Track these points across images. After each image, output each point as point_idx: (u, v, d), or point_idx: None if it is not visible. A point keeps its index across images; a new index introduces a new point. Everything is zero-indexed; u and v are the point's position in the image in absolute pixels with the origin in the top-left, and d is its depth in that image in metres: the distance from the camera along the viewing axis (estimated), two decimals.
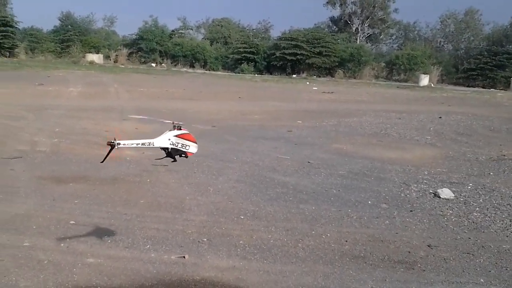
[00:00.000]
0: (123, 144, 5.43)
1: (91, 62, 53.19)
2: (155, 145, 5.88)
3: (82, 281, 5.00)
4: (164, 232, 6.50)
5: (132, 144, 5.68)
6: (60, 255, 5.59)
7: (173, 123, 6.13)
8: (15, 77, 30.71)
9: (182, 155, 6.11)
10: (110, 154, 5.51)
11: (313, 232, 6.81)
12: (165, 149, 6.08)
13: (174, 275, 5.26)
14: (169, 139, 5.93)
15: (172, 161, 6.04)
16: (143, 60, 59.60)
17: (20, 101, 19.46)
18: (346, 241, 6.56)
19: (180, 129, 6.09)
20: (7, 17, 55.35)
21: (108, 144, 5.33)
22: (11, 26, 55.08)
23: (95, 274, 5.16)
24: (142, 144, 5.72)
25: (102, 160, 5.60)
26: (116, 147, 5.35)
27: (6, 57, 51.68)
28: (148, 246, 6.01)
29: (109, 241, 6.11)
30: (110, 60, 57.27)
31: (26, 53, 56.47)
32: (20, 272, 5.11)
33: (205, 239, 6.32)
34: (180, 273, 5.31)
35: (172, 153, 6.11)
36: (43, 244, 5.86)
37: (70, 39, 59.23)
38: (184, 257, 5.72)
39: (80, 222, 6.66)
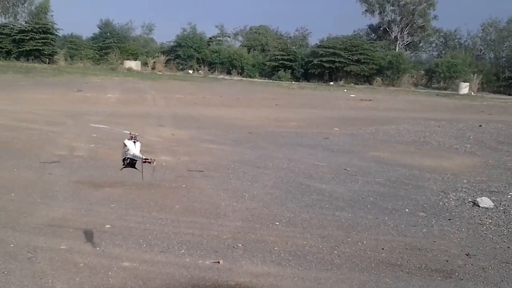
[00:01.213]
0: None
1: (129, 69, 53.74)
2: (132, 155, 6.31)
3: (117, 284, 5.02)
4: (199, 237, 6.49)
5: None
6: (96, 258, 5.62)
7: (130, 133, 6.43)
8: (54, 83, 31.21)
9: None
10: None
11: (349, 240, 6.73)
12: (133, 159, 6.45)
13: (209, 280, 5.24)
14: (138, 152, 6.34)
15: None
16: (180, 67, 60.00)
17: (59, 107, 19.78)
18: (383, 248, 6.46)
19: (135, 141, 6.45)
20: (47, 24, 56.35)
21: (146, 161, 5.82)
22: (51, 33, 56.03)
23: (130, 278, 5.18)
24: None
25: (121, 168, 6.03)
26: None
27: (46, 63, 52.55)
28: (183, 250, 6.01)
29: (144, 245, 6.12)
30: (147, 67, 57.79)
31: (65, 59, 57.34)
32: (56, 274, 5.15)
33: (240, 245, 6.29)
34: (214, 278, 5.29)
35: (135, 164, 6.47)
36: (79, 248, 5.91)
37: (108, 46, 59.97)
38: (218, 262, 5.70)
39: (116, 226, 6.70)
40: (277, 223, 7.25)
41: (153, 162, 6.36)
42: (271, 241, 6.51)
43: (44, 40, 53.73)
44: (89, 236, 6.28)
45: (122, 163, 6.64)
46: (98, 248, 5.93)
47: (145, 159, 6.29)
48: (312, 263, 5.88)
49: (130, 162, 6.32)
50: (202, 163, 10.96)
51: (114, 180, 9.02)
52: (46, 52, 54.17)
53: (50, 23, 57.58)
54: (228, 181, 9.54)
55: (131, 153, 6.33)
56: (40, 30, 53.91)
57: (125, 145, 6.41)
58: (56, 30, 58.03)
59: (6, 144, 11.83)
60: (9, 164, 9.85)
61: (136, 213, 7.31)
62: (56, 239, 6.11)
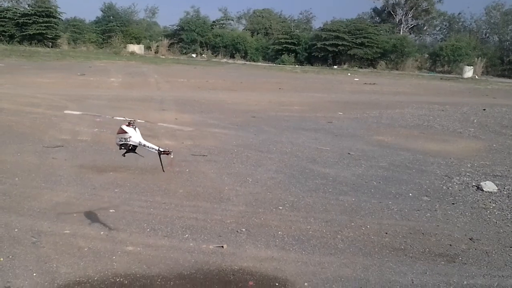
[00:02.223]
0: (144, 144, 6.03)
1: (132, 53, 53.70)
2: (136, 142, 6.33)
3: (121, 269, 5.03)
4: (203, 221, 6.50)
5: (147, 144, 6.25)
6: (100, 243, 5.64)
7: (125, 119, 6.44)
8: (57, 67, 31.18)
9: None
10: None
11: (353, 224, 6.73)
12: (134, 146, 6.45)
13: (212, 264, 5.26)
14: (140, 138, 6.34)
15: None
16: (183, 51, 59.93)
17: (62, 91, 19.75)
18: (386, 233, 6.46)
19: (135, 128, 6.44)
20: (50, 8, 56.21)
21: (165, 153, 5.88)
22: (54, 17, 55.96)
23: (134, 262, 5.19)
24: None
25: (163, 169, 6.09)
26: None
27: (49, 47, 52.52)
28: (186, 235, 6.02)
29: (148, 230, 6.13)
30: (151, 51, 57.73)
31: (69, 43, 57.29)
32: (60, 259, 5.17)
33: (243, 229, 6.30)
34: (218, 263, 5.30)
35: (135, 149, 6.48)
36: (83, 232, 5.92)
37: (111, 30, 59.92)
38: (222, 246, 5.72)
39: (119, 211, 6.71)
40: (281, 208, 7.25)
41: (171, 154, 6.34)
42: (274, 225, 6.52)
43: (47, 24, 53.68)
44: (93, 220, 6.31)
45: (120, 148, 6.63)
46: (102, 232, 5.95)
47: (162, 151, 6.28)
48: (316, 248, 5.88)
49: (132, 148, 6.31)
50: (205, 147, 10.96)
51: (117, 165, 9.02)
52: (49, 36, 54.14)
53: (53, 7, 57.44)
54: (232, 166, 9.54)
55: (136, 140, 6.31)
56: (43, 14, 53.81)
57: (125, 131, 6.38)
58: (59, 14, 58.01)
59: (9, 128, 11.83)
60: (13, 149, 9.86)
61: (140, 198, 7.32)
62: (60, 224, 6.13)
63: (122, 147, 6.52)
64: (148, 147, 6.31)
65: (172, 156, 6.31)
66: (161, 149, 6.18)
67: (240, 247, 5.76)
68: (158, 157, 6.76)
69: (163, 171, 6.32)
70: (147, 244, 5.68)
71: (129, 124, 6.39)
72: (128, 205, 6.95)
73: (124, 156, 6.66)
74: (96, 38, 59.71)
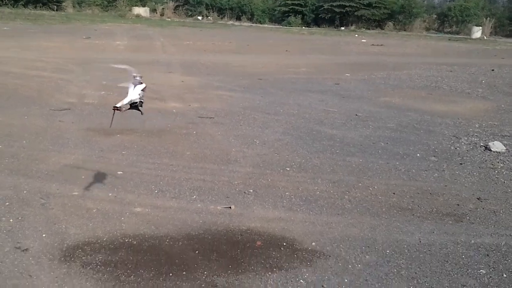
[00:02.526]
0: (122, 105, 5.65)
1: (138, 16, 53.20)
2: (131, 99, 5.96)
3: (130, 229, 5.07)
4: (210, 183, 6.53)
5: (125, 103, 5.80)
6: (108, 204, 5.67)
7: (133, 75, 6.13)
8: (62, 31, 31.00)
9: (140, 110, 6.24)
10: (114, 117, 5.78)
11: (360, 184, 6.74)
12: (134, 103, 6.12)
13: (220, 225, 5.29)
14: (139, 93, 6.00)
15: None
16: (189, 13, 59.33)
17: (68, 55, 19.67)
18: (394, 193, 6.47)
19: (141, 83, 6.13)
20: None
21: (113, 109, 5.56)
22: None
23: (142, 223, 5.23)
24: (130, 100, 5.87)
25: (110, 125, 5.87)
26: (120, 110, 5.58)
27: (54, 10, 52.08)
28: (194, 196, 6.04)
29: (156, 191, 6.16)
30: (156, 13, 57.18)
31: (74, 6, 56.72)
32: (69, 220, 5.21)
33: (251, 190, 6.32)
34: (226, 223, 5.33)
35: (138, 106, 6.17)
36: (91, 194, 5.96)
37: None
38: (230, 207, 5.74)
39: (127, 173, 6.74)
40: (288, 169, 7.26)
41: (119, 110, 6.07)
42: (282, 186, 6.54)
43: None
44: (101, 182, 6.34)
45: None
46: (110, 194, 5.98)
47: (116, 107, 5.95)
48: (323, 208, 5.90)
49: (132, 105, 6.10)
50: (212, 109, 10.94)
51: (124, 127, 9.01)
52: None
53: None
54: (239, 128, 9.53)
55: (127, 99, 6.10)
56: None
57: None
58: None
59: (16, 91, 11.83)
60: (20, 112, 9.87)
61: (147, 160, 7.34)
62: (68, 186, 6.16)
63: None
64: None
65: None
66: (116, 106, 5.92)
67: (247, 208, 5.78)
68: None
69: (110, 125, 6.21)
70: (155, 206, 5.71)
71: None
72: (135, 167, 6.98)
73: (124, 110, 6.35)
74: (101, 1, 59.10)
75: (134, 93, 6.03)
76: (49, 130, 8.69)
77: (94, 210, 5.48)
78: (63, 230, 4.97)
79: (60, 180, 6.34)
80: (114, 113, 5.74)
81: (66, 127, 8.96)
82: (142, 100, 6.13)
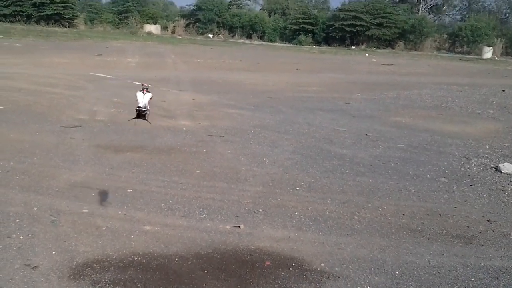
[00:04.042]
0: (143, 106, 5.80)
1: (149, 33, 53.65)
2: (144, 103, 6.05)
3: (139, 248, 5.07)
4: (220, 202, 6.53)
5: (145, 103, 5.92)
6: (118, 222, 5.68)
7: (142, 85, 6.18)
8: (74, 48, 31.27)
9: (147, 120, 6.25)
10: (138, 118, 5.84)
11: (370, 205, 6.72)
12: (143, 111, 6.19)
13: (229, 244, 5.28)
14: (147, 102, 6.08)
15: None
16: (200, 31, 59.76)
17: (80, 71, 19.83)
18: (404, 214, 6.45)
19: (148, 92, 6.17)
20: None
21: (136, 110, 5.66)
22: None
23: (152, 242, 5.23)
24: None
25: (130, 119, 5.92)
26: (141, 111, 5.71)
27: (66, 27, 52.55)
28: (203, 215, 6.04)
29: (166, 209, 6.16)
30: (167, 31, 57.65)
31: (86, 23, 57.31)
32: (79, 237, 5.22)
33: (260, 210, 6.32)
34: (235, 243, 5.32)
35: (145, 116, 6.23)
36: (101, 211, 5.97)
37: (128, 10, 59.81)
38: (239, 226, 5.74)
39: (137, 190, 6.75)
40: (298, 188, 7.25)
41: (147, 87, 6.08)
42: (291, 206, 6.53)
43: (65, 4, 53.61)
44: (111, 199, 6.36)
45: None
46: (120, 212, 5.99)
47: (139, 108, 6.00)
48: (333, 228, 5.89)
49: (138, 113, 6.13)
50: (222, 127, 10.97)
51: (134, 145, 9.06)
52: (66, 16, 54.13)
53: None
54: (249, 146, 9.55)
55: (141, 104, 6.12)
56: None
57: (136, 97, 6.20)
58: None
59: (28, 108, 11.91)
60: (32, 128, 9.93)
61: (157, 178, 7.35)
62: (79, 203, 6.18)
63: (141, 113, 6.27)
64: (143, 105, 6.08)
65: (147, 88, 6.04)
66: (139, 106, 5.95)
67: (257, 227, 5.78)
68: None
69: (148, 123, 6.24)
70: (164, 224, 5.72)
71: (143, 90, 6.22)
72: (145, 185, 6.99)
73: (129, 121, 6.33)
74: (113, 18, 59.61)
75: (145, 98, 6.12)
76: (60, 147, 8.73)
77: (104, 228, 5.49)
78: (73, 248, 4.98)
79: (70, 197, 6.36)
80: (137, 113, 5.89)
81: (77, 144, 9.00)
82: (148, 109, 6.19)
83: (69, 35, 42.63)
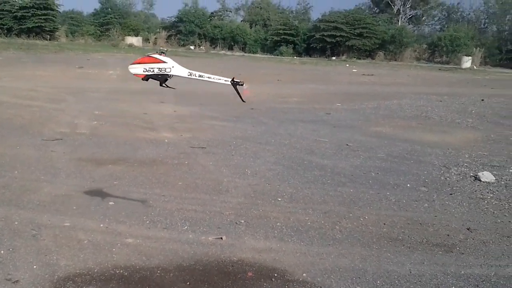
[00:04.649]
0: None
1: (130, 45, 53.53)
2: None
3: (121, 260, 5.07)
4: (202, 213, 6.54)
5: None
6: (99, 235, 5.67)
7: (157, 51, 6.01)
8: (55, 60, 31.12)
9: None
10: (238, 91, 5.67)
11: (351, 215, 6.77)
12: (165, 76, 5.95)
13: (212, 256, 5.30)
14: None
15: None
16: (182, 42, 59.75)
17: (61, 84, 19.74)
18: (384, 223, 6.51)
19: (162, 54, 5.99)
20: (48, 0, 55.90)
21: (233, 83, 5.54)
22: (52, 10, 55.63)
23: (134, 254, 5.23)
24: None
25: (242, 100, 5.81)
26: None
27: (47, 40, 52.29)
28: (186, 227, 6.05)
29: (148, 222, 6.17)
30: (149, 43, 57.56)
31: (67, 36, 57.02)
32: (60, 251, 5.21)
33: (242, 221, 6.34)
34: (217, 254, 5.34)
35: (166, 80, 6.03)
36: (83, 225, 5.95)
37: (109, 22, 59.61)
38: (221, 238, 5.75)
39: (119, 203, 6.74)
40: (279, 199, 7.29)
41: (243, 84, 5.93)
42: (273, 216, 6.56)
43: (46, 17, 53.38)
44: (93, 212, 6.34)
45: (147, 78, 6.00)
46: (101, 225, 5.98)
47: (237, 82, 5.86)
48: (314, 239, 5.92)
49: (165, 79, 5.89)
50: (204, 139, 10.99)
51: (116, 157, 9.06)
52: (47, 29, 53.85)
53: None
54: (231, 158, 9.57)
55: (184, 73, 5.82)
56: (41, 6, 53.47)
57: (161, 61, 5.83)
58: (56, 6, 57.66)
59: (9, 121, 11.85)
60: (12, 142, 9.88)
61: (139, 190, 7.35)
62: (60, 216, 6.16)
63: (152, 79, 5.96)
64: (209, 78, 5.87)
65: (245, 87, 5.95)
66: (235, 80, 5.79)
67: (239, 239, 5.80)
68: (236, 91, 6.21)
69: (243, 101, 6.08)
70: (146, 236, 5.72)
71: (161, 54, 5.97)
72: (127, 198, 6.98)
73: (162, 86, 6.07)
74: (94, 30, 59.37)
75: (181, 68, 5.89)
76: (41, 160, 8.70)
77: (85, 241, 5.48)
78: (54, 262, 4.97)
79: (51, 211, 6.34)
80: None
81: (58, 157, 8.97)
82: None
83: (50, 47, 42.41)
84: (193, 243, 5.59)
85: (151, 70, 5.88)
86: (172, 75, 5.86)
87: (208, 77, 5.84)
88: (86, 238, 5.55)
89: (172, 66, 5.80)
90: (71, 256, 5.10)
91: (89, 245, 5.38)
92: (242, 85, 5.80)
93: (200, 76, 5.86)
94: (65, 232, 5.71)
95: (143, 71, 5.90)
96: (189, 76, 5.81)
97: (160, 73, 5.84)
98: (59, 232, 5.68)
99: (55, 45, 45.71)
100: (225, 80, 5.77)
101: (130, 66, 5.97)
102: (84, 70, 26.11)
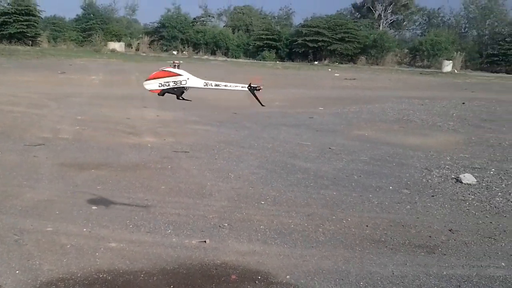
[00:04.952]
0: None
1: (113, 51, 53.41)
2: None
3: (104, 265, 5.06)
4: (185, 217, 6.54)
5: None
6: (82, 239, 5.65)
7: (173, 62, 6.01)
8: (37, 66, 30.95)
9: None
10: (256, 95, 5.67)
11: (334, 217, 6.80)
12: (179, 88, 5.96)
13: (195, 259, 5.30)
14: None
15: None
16: (164, 48, 59.69)
17: (43, 90, 19.63)
18: (367, 225, 6.55)
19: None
20: (30, 6, 55.60)
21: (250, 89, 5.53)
22: (34, 15, 55.36)
23: (117, 258, 5.22)
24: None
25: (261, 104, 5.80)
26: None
27: (29, 45, 52.00)
28: (169, 231, 6.05)
29: (131, 226, 6.16)
30: (131, 48, 57.43)
31: (49, 42, 56.76)
32: (43, 256, 5.18)
33: (226, 224, 6.35)
34: (201, 257, 5.34)
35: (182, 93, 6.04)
36: (66, 229, 5.93)
37: (92, 28, 59.44)
38: (205, 241, 5.76)
39: (102, 208, 6.72)
40: (263, 202, 7.31)
41: (260, 89, 5.92)
42: (256, 220, 6.57)
43: (27, 23, 53.07)
44: (76, 217, 6.31)
45: (163, 93, 6.00)
46: (84, 229, 5.96)
47: (254, 87, 5.84)
48: (298, 241, 5.94)
49: (183, 92, 5.90)
50: (187, 144, 10.99)
51: (99, 162, 9.03)
52: (29, 35, 53.58)
53: (32, 5, 56.82)
54: (214, 162, 9.58)
55: (200, 84, 5.84)
56: (23, 12, 53.18)
57: (177, 74, 5.83)
58: (38, 12, 57.39)
59: None
60: None
61: (122, 195, 7.33)
62: (43, 221, 6.13)
63: (169, 93, 5.97)
64: (226, 86, 5.88)
65: (261, 88, 5.94)
66: (252, 86, 5.78)
67: (222, 242, 5.80)
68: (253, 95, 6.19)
69: (262, 105, 6.05)
70: (130, 240, 5.71)
71: (175, 67, 5.97)
72: (110, 202, 6.96)
73: (180, 99, 6.07)
74: (76, 36, 59.14)
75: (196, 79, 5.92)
76: (23, 165, 8.65)
77: (68, 246, 5.46)
78: (37, 267, 4.94)
79: (34, 216, 6.30)
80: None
81: (41, 162, 8.93)
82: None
83: (32, 53, 42.17)
84: (177, 246, 5.59)
85: (167, 84, 5.85)
86: (188, 87, 5.88)
87: (225, 85, 5.84)
88: (69, 243, 5.53)
89: (187, 78, 5.81)
90: (54, 261, 5.08)
91: (72, 250, 5.36)
92: (259, 90, 5.80)
93: (216, 85, 5.90)
94: (48, 237, 5.68)
95: (159, 86, 5.88)
96: (205, 87, 5.84)
97: (176, 86, 5.82)
98: (41, 237, 5.65)
99: (37, 51, 45.48)
100: (242, 87, 5.75)
101: (145, 82, 5.94)
102: (67, 76, 25.99)
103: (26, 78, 23.46)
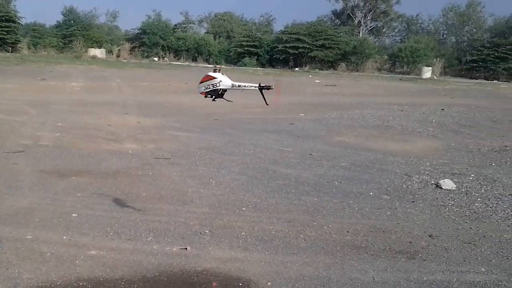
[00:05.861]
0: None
1: (94, 57, 53.23)
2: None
3: (84, 273, 5.03)
4: (166, 224, 6.52)
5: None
6: (62, 247, 5.62)
7: (215, 66, 6.51)
8: (17, 72, 30.74)
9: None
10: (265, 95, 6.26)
11: (315, 223, 6.82)
12: (223, 91, 6.49)
13: (176, 266, 5.29)
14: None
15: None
16: (145, 54, 59.59)
17: (23, 96, 19.49)
18: (348, 231, 6.57)
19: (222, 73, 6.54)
20: (10, 12, 55.30)
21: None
22: (14, 22, 55.04)
23: (97, 266, 5.19)
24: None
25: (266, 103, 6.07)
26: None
27: (9, 52, 51.65)
28: (150, 238, 6.03)
29: (112, 233, 6.13)
30: (112, 54, 57.29)
31: (29, 48, 56.45)
32: (22, 264, 5.14)
33: (207, 231, 6.34)
34: (182, 265, 5.33)
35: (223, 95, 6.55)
36: (45, 237, 5.89)
37: (72, 34, 59.20)
38: (186, 248, 5.75)
39: (82, 215, 6.68)
40: (244, 209, 7.31)
41: (272, 88, 6.34)
42: (238, 226, 6.57)
43: (7, 29, 52.75)
44: (56, 225, 6.27)
45: (206, 96, 6.53)
46: (64, 237, 5.92)
47: (263, 86, 6.25)
48: (279, 247, 5.95)
49: (221, 93, 6.38)
50: (168, 150, 10.96)
51: (80, 169, 8.98)
52: (9, 41, 53.25)
53: (12, 11, 56.54)
54: (195, 168, 9.57)
55: (228, 83, 6.31)
56: (3, 19, 52.87)
57: (212, 77, 6.34)
58: (18, 18, 57.10)
59: None
60: None
61: (102, 202, 7.30)
62: (22, 229, 6.08)
63: (209, 95, 6.46)
64: (245, 86, 6.31)
65: (273, 87, 6.31)
66: (262, 85, 6.18)
67: (203, 249, 5.80)
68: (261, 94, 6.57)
69: (267, 104, 6.33)
70: (110, 248, 5.68)
71: (215, 71, 6.46)
72: (90, 209, 6.93)
73: (215, 101, 6.55)
74: (57, 42, 58.89)
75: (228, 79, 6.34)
76: (2, 173, 8.57)
77: (48, 254, 5.42)
78: (16, 275, 4.90)
79: (13, 224, 6.25)
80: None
81: (20, 169, 8.86)
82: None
83: (12, 59, 41.89)
84: (158, 254, 5.58)
85: (208, 87, 6.40)
86: (221, 89, 6.36)
87: (244, 86, 6.35)
88: (49, 251, 5.49)
89: (220, 81, 6.32)
90: (33, 269, 5.04)
91: (52, 258, 5.33)
92: (268, 89, 6.20)
93: (239, 86, 6.43)
94: (27, 245, 5.64)
95: (204, 89, 6.46)
96: (232, 88, 6.32)
97: (213, 88, 6.38)
98: (21, 245, 5.61)
99: (17, 57, 45.19)
100: (255, 87, 6.09)
101: (198, 85, 6.58)
102: (47, 82, 25.84)
103: (5, 85, 23.28)
